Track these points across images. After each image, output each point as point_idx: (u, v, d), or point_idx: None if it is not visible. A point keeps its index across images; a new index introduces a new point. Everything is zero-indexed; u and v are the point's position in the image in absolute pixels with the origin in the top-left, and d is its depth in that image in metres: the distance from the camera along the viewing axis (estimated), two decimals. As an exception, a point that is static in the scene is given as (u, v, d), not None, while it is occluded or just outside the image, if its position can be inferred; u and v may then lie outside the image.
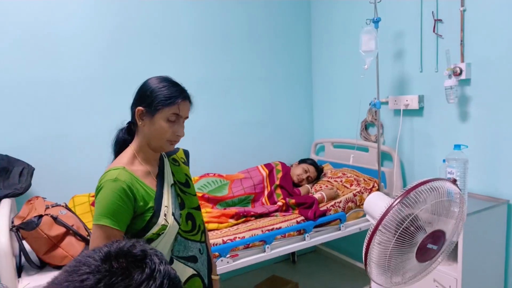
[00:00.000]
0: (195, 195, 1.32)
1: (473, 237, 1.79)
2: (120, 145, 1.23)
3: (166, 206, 1.15)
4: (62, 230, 1.62)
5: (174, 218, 1.16)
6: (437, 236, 1.27)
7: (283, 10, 3.07)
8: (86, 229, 1.76)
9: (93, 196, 2.10)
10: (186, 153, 1.43)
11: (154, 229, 1.11)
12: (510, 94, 1.92)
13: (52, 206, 1.71)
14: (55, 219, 1.62)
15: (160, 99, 1.13)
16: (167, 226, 1.13)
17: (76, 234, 1.63)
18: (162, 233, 1.13)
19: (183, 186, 1.28)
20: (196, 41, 2.70)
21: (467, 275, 1.79)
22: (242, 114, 2.92)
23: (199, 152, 2.74)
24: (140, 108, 1.15)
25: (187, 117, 1.21)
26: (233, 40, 2.86)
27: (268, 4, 2.99)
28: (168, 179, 1.23)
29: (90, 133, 2.36)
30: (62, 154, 2.30)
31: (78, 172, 2.32)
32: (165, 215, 1.13)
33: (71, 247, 1.62)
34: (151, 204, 1.13)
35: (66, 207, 1.78)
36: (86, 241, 1.66)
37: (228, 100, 2.87)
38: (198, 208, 1.31)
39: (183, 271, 1.19)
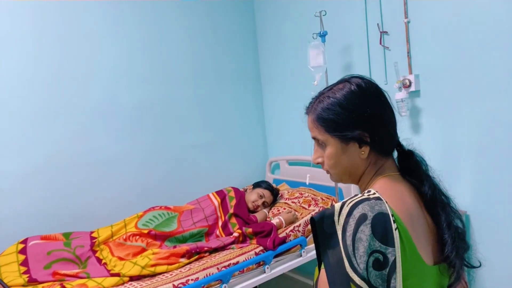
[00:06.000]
0: None
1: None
2: None
3: None
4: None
5: None
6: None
7: (228, 27, 2.93)
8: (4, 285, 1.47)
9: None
10: None
11: None
12: (458, 103, 1.90)
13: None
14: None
15: None
16: None
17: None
18: None
19: None
20: (137, 62, 2.48)
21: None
22: (189, 137, 2.72)
23: (143, 183, 2.50)
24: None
25: (315, 138, 0.95)
26: (177, 60, 2.67)
27: (212, 19, 2.83)
28: None
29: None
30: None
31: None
32: None
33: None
34: None
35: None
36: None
37: (173, 123, 2.65)
38: None
39: None
